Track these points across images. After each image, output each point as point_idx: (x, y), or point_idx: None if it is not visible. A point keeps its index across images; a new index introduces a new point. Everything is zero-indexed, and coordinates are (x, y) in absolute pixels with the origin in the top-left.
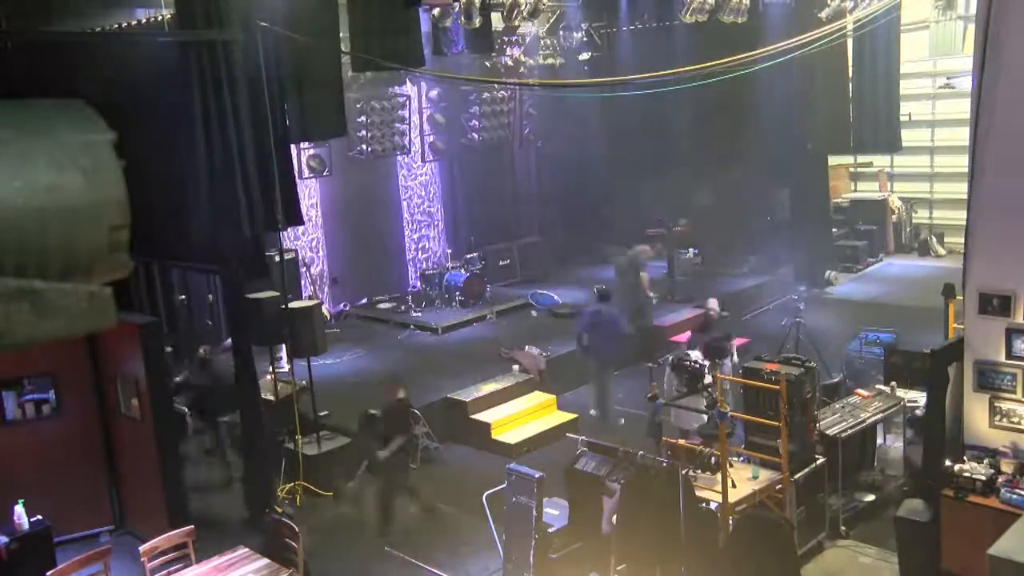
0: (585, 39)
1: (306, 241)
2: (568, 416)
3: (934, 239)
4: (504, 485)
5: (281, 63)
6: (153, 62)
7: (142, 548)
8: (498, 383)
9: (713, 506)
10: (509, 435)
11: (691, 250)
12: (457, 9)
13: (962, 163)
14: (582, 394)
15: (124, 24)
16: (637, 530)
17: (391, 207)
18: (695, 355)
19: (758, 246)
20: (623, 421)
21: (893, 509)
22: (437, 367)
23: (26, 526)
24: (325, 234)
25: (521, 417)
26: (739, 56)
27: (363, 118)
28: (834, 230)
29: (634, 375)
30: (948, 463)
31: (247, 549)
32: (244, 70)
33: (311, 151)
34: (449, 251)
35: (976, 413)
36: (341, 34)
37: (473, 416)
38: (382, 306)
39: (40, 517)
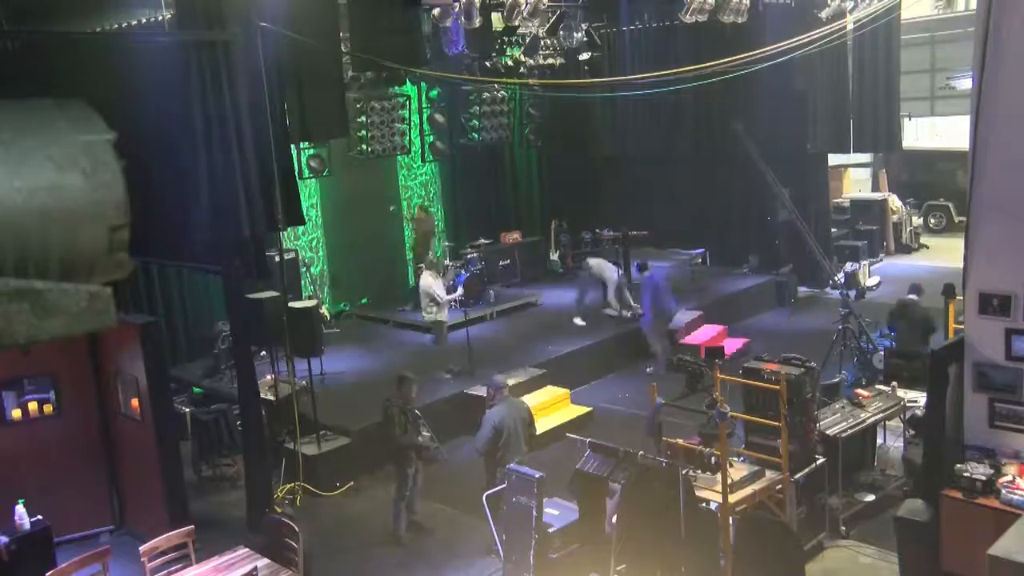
0: (585, 39)
1: (306, 241)
2: (583, 409)
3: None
4: (504, 485)
5: (281, 63)
6: (153, 62)
7: (142, 548)
8: (512, 378)
9: (713, 506)
10: None
11: (697, 250)
12: (457, 9)
13: None
14: (589, 390)
15: (124, 24)
16: (637, 530)
17: (391, 207)
18: None
19: (758, 246)
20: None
21: (893, 509)
22: (437, 367)
23: (26, 526)
24: (325, 234)
25: (538, 411)
26: (739, 56)
27: (363, 118)
28: (834, 230)
29: (634, 375)
30: (948, 463)
31: (247, 549)
32: (244, 70)
33: (311, 151)
34: (449, 249)
35: (976, 413)
36: (341, 34)
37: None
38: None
39: (40, 517)
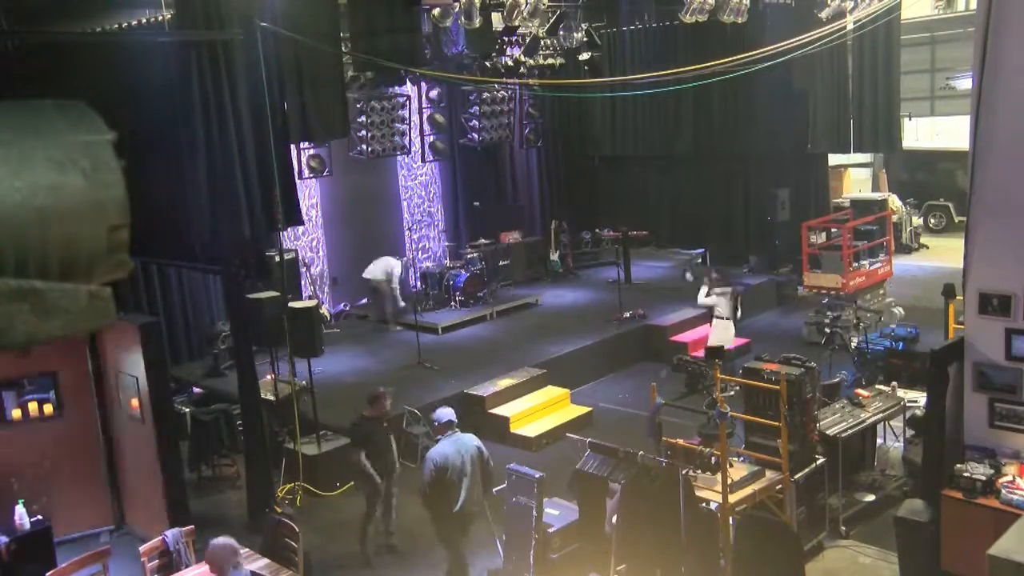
0: (585, 39)
1: (306, 241)
2: (583, 409)
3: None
4: (504, 485)
5: (281, 63)
6: (153, 62)
7: (142, 548)
8: (513, 378)
9: (713, 506)
10: (527, 429)
11: (697, 250)
12: (457, 9)
13: None
14: (589, 390)
15: (124, 24)
16: (637, 530)
17: (391, 207)
18: None
19: (758, 246)
20: None
21: (893, 509)
22: (437, 367)
23: (26, 526)
24: (325, 234)
25: (538, 411)
26: (739, 56)
27: (363, 118)
28: (834, 230)
29: (634, 375)
30: (948, 463)
31: (247, 549)
32: (244, 70)
33: (311, 151)
34: (449, 249)
35: (976, 413)
36: (342, 34)
37: (491, 411)
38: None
39: (40, 517)
